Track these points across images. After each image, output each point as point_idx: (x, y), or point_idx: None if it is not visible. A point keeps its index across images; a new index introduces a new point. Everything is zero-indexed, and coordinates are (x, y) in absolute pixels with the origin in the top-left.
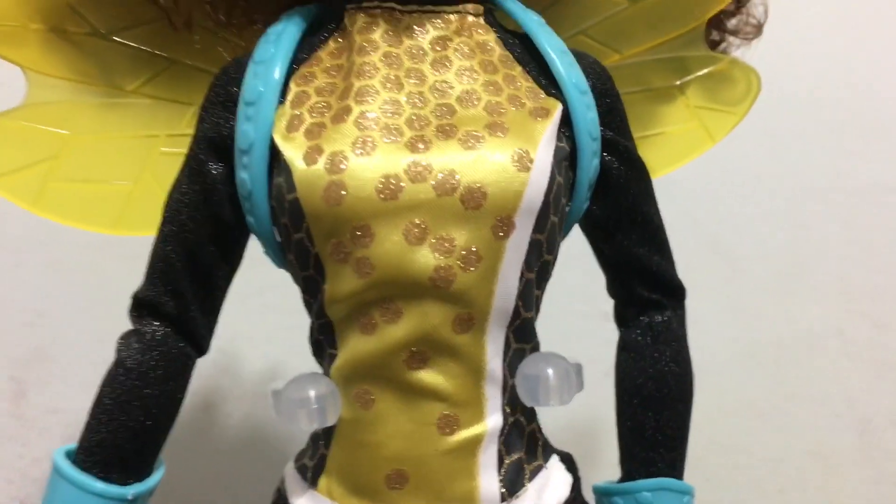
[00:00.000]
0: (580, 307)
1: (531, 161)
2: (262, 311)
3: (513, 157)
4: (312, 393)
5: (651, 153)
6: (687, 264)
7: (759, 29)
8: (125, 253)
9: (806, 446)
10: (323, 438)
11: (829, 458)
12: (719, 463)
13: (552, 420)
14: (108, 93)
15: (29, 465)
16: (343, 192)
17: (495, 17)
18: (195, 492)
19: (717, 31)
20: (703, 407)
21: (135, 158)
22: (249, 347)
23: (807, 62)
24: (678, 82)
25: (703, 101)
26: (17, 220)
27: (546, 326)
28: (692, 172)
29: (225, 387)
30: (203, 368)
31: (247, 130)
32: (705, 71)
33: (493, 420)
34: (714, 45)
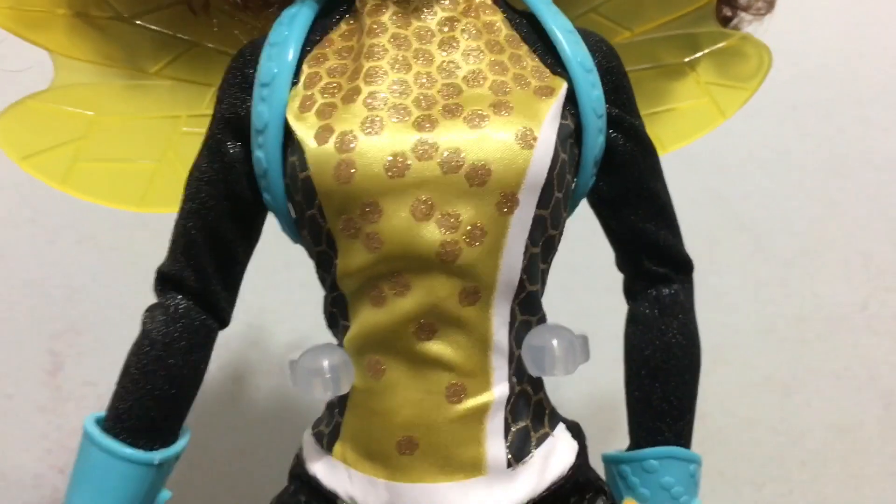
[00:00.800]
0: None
1: (535, 139)
2: (288, 286)
3: (517, 135)
4: (326, 363)
5: (662, 129)
6: (712, 240)
7: (771, 4)
8: (156, 229)
9: (829, 420)
10: (338, 407)
11: (852, 432)
12: (742, 437)
13: (576, 393)
14: (131, 75)
15: (66, 436)
16: (352, 171)
17: None
18: (225, 458)
19: (728, 6)
20: (727, 381)
21: (158, 138)
22: (276, 321)
23: (834, 36)
24: (689, 59)
25: (713, 77)
26: (50, 200)
27: (567, 302)
28: (717, 148)
29: (253, 359)
30: (232, 342)
31: (262, 111)
32: (716, 47)
33: (499, 389)
34: (726, 21)
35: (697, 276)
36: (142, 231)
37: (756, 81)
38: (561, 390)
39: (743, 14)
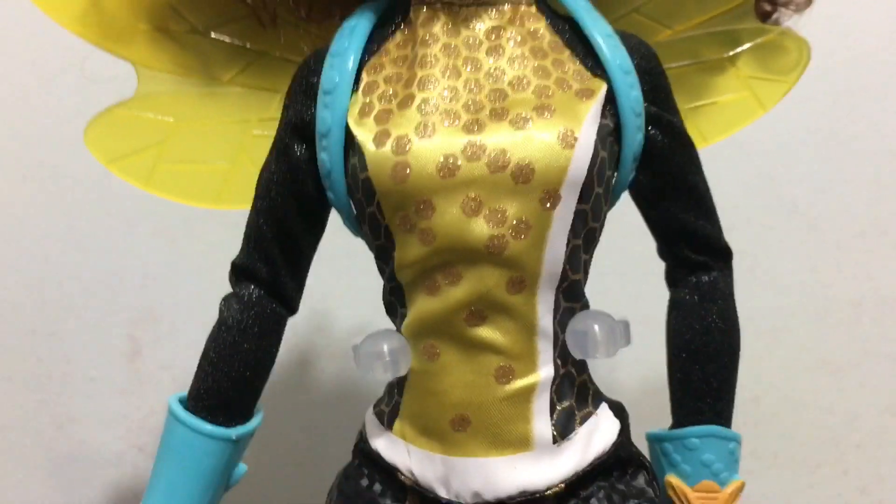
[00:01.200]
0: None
1: (575, 139)
2: (351, 274)
3: (558, 135)
4: (386, 347)
5: (703, 122)
6: (766, 224)
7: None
8: (226, 222)
9: (884, 402)
10: (396, 387)
11: None
12: (796, 419)
13: (629, 377)
14: (206, 83)
15: (145, 416)
16: (408, 171)
17: (547, 2)
18: (293, 435)
19: (767, 2)
20: (781, 364)
21: (231, 141)
22: (340, 307)
23: (887, 18)
24: (729, 54)
25: (753, 70)
26: (127, 193)
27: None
28: (770, 133)
29: (319, 344)
30: (299, 327)
31: (325, 116)
32: (756, 42)
33: (545, 371)
34: (765, 16)
35: (752, 261)
36: (212, 224)
37: (795, 74)
38: (615, 374)
39: (782, 9)
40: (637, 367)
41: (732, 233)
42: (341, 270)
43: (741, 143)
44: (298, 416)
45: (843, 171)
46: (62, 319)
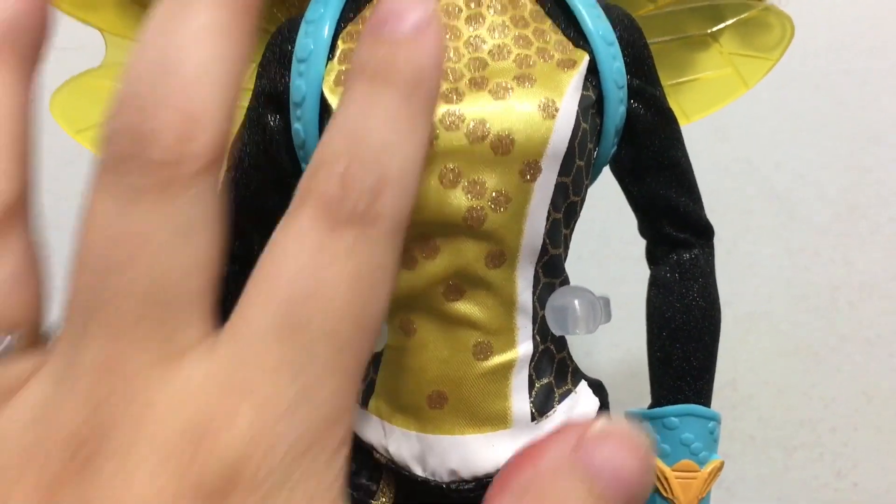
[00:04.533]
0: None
1: (556, 110)
2: None
3: (539, 105)
4: None
5: (685, 99)
6: (744, 209)
7: None
8: None
9: (860, 387)
10: (372, 364)
11: (884, 399)
12: (773, 402)
13: (607, 360)
14: None
15: None
16: None
17: None
18: None
19: None
20: (758, 348)
21: None
22: None
23: (867, 3)
24: (712, 30)
25: (737, 47)
26: None
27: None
28: (749, 117)
29: None
30: None
31: (299, 85)
32: (739, 18)
33: (523, 347)
34: None
35: (730, 245)
36: None
37: (779, 51)
38: (593, 357)
39: None
40: (615, 351)
41: (710, 217)
42: None
43: (719, 126)
44: None
45: (822, 155)
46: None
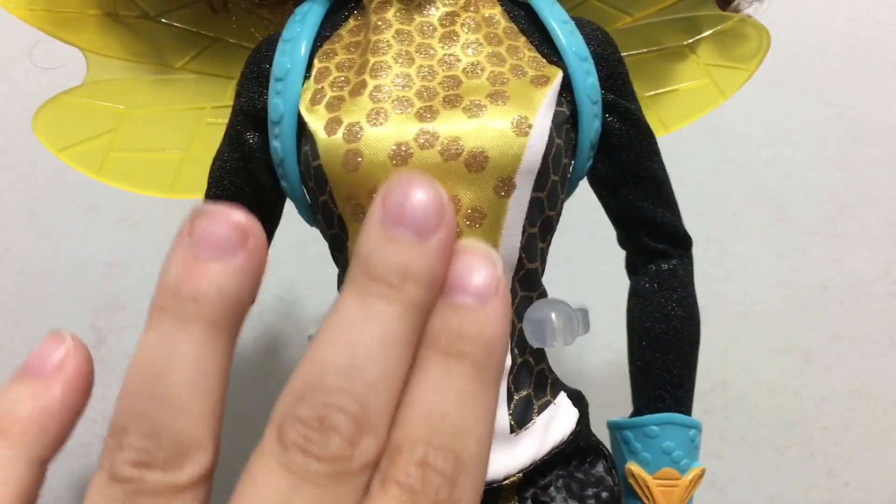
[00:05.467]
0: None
1: (529, 126)
2: (318, 262)
3: (512, 122)
4: None
5: (664, 110)
6: (734, 210)
7: None
8: (188, 209)
9: (851, 386)
10: None
11: (875, 398)
12: (764, 402)
13: (597, 362)
14: (158, 70)
15: (110, 406)
16: (360, 159)
17: None
18: (261, 424)
19: None
20: (749, 348)
21: (185, 129)
22: (307, 296)
23: (854, 4)
24: (689, 41)
25: (714, 58)
26: (89, 181)
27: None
28: (738, 119)
29: (286, 332)
30: (266, 316)
31: (277, 104)
32: (716, 29)
33: None
34: (726, 3)
35: (720, 246)
36: (175, 209)
37: (755, 62)
38: (584, 360)
39: None
40: (606, 353)
41: (700, 218)
42: (309, 259)
43: (709, 128)
44: (266, 404)
45: (812, 156)
46: (24, 309)
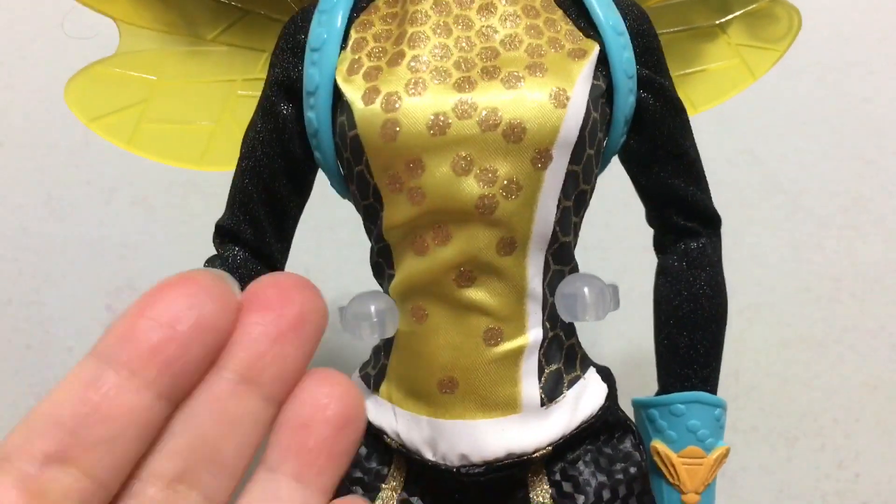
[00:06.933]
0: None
1: (567, 99)
2: (334, 246)
3: (550, 94)
4: (373, 308)
5: (693, 90)
6: (748, 201)
7: None
8: (206, 192)
9: (862, 378)
10: (383, 350)
11: (887, 391)
12: (775, 392)
13: (610, 349)
14: (190, 41)
15: None
16: (398, 129)
17: None
18: None
19: None
20: (762, 339)
21: (215, 101)
22: (323, 279)
23: None
24: (720, 21)
25: (744, 38)
26: (106, 163)
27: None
28: (753, 109)
29: None
30: None
31: (312, 74)
32: (747, 9)
33: (533, 334)
34: None
35: (734, 237)
36: (192, 193)
37: (786, 43)
38: (598, 348)
39: None
40: (620, 340)
41: None
42: (325, 241)
43: (724, 118)
44: None
45: (826, 148)
46: (40, 290)
